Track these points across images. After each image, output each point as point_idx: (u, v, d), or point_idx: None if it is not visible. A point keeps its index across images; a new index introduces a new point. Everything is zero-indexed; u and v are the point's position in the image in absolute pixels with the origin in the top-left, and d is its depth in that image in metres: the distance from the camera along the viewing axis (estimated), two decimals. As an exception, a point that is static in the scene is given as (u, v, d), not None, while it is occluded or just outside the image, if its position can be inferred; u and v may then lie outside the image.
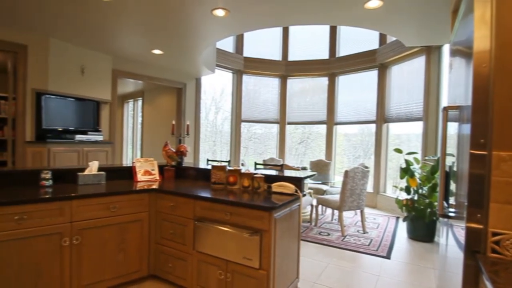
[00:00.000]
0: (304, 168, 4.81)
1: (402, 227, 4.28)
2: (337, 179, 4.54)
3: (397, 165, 5.44)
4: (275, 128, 7.04)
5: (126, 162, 7.53)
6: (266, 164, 4.17)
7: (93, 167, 2.64)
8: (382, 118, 5.70)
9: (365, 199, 4.03)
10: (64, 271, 2.08)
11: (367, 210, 5.27)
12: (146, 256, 2.49)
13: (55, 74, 3.81)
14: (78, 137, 4.01)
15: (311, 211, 4.42)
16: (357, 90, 6.26)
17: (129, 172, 2.93)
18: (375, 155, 5.78)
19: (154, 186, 2.56)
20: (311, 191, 4.63)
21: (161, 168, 3.09)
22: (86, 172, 2.59)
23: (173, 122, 3.55)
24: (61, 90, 3.89)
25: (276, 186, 2.36)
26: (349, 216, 4.89)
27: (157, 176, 2.97)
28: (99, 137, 4.29)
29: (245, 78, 6.83)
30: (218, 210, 2.12)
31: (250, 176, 2.47)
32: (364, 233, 3.99)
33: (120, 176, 2.90)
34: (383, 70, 5.71)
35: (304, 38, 6.95)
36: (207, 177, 2.91)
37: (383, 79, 5.71)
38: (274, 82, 6.98)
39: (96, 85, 4.33)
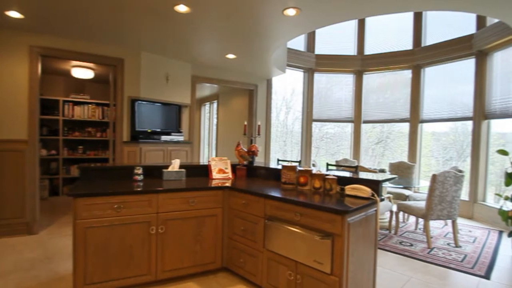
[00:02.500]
0: (382, 171, 4.43)
1: (507, 243, 3.57)
2: (422, 184, 4.04)
3: (501, 169, 4.58)
4: (349, 127, 6.67)
5: (203, 160, 8.12)
6: (339, 165, 3.97)
7: (175, 165, 2.91)
8: (481, 114, 4.87)
9: (458, 208, 3.50)
10: (151, 256, 2.34)
11: (460, 221, 4.57)
12: (220, 249, 2.62)
13: (145, 82, 4.35)
14: (164, 137, 4.49)
15: (391, 217, 4.04)
16: (448, 83, 5.49)
17: (205, 170, 3.14)
18: (472, 157, 4.97)
19: (227, 184, 2.68)
20: (391, 196, 4.23)
21: (233, 167, 3.22)
22: (169, 169, 2.86)
23: (245, 123, 3.66)
24: (150, 96, 4.41)
25: (350, 189, 2.22)
26: (438, 227, 4.31)
27: (230, 175, 3.11)
28: (180, 138, 4.72)
29: (317, 76, 6.65)
30: (288, 210, 2.10)
31: (322, 177, 2.38)
32: (456, 246, 3.47)
33: (197, 174, 3.13)
34: (482, 58, 4.88)
35: (382, 28, 6.42)
36: (277, 177, 2.91)
37: (482, 68, 4.88)
38: (348, 79, 6.62)
39: (178, 91, 4.78)
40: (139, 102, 4.30)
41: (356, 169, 3.31)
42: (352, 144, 6.59)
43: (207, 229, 2.56)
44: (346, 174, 2.55)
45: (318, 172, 2.41)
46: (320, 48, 6.58)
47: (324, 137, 6.95)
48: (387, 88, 6.32)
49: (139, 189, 2.31)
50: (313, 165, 5.95)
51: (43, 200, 5.15)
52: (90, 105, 5.85)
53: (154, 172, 2.91)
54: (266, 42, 3.88)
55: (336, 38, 6.68)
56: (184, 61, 4.82)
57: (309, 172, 2.47)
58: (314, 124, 6.71)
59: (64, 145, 5.71)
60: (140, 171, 2.74)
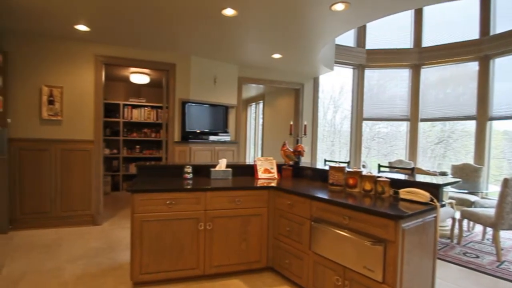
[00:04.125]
0: (443, 174, 4.03)
1: None
2: (491, 189, 3.59)
3: None
4: (404, 126, 6.20)
5: (248, 160, 8.23)
6: (392, 167, 3.72)
7: (222, 164, 2.99)
8: None
9: (538, 218, 3.03)
10: (200, 250, 2.42)
11: (541, 233, 3.97)
12: (265, 249, 2.62)
13: (195, 85, 4.55)
14: (211, 138, 4.65)
15: (453, 225, 3.66)
16: (524, 75, 4.80)
17: (251, 170, 3.17)
18: (555, 159, 4.28)
19: (273, 184, 2.67)
20: (453, 201, 3.83)
21: (279, 167, 3.20)
22: (217, 168, 2.94)
23: (291, 123, 3.62)
24: (199, 98, 4.60)
25: (405, 193, 2.05)
26: (510, 238, 3.79)
27: (275, 175, 3.09)
28: (227, 138, 4.84)
29: (368, 72, 6.31)
30: (335, 212, 2.02)
31: (373, 179, 2.24)
32: (536, 262, 3.01)
33: (243, 173, 3.17)
34: None
35: (443, 18, 5.85)
36: (324, 178, 2.82)
37: None
38: (403, 74, 6.16)
39: (225, 92, 4.92)
40: (189, 104, 4.51)
41: (412, 171, 3.06)
42: (407, 144, 6.12)
43: (253, 228, 2.57)
44: (401, 176, 2.37)
45: (369, 174, 2.28)
46: (372, 43, 6.23)
47: (376, 137, 6.56)
48: (449, 83, 5.74)
49: (188, 187, 2.42)
50: (363, 166, 5.65)
51: (105, 195, 5.67)
52: (146, 108, 6.32)
53: (203, 171, 3.02)
54: (313, 40, 3.79)
55: (389, 31, 6.26)
56: (231, 63, 4.93)
57: (358, 173, 2.34)
58: (365, 123, 6.37)
59: (123, 145, 6.24)
60: (189, 169, 2.86)
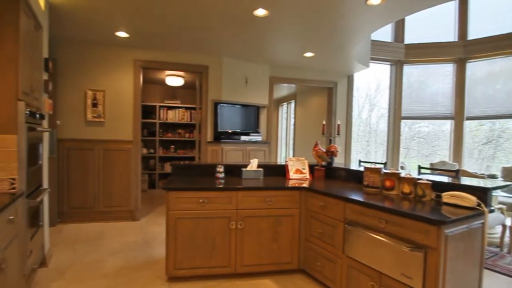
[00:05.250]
0: (492, 176, 3.71)
1: None
2: (550, 194, 3.23)
3: None
4: (447, 125, 5.79)
5: (280, 160, 8.18)
6: (434, 169, 3.50)
7: (253, 164, 2.99)
8: None
9: None
10: (231, 249, 2.45)
11: None
12: (297, 250, 2.58)
13: (227, 86, 4.62)
14: (243, 137, 4.69)
15: (503, 233, 3.34)
16: None
17: (282, 170, 3.14)
18: None
19: (304, 185, 2.63)
20: (504, 207, 3.50)
21: (311, 167, 3.14)
22: (248, 168, 2.96)
23: (324, 122, 3.54)
24: (231, 99, 4.66)
25: (448, 196, 1.91)
26: None
27: (307, 175, 3.04)
28: (259, 138, 4.86)
29: (406, 68, 5.98)
30: (371, 215, 1.93)
31: (412, 181, 2.11)
32: None
33: (275, 173, 3.15)
34: None
35: (490, 7, 5.37)
36: (359, 179, 2.71)
37: None
38: (447, 69, 5.75)
39: (256, 92, 4.94)
40: (221, 104, 4.58)
41: (457, 173, 2.84)
42: (451, 145, 5.71)
43: (284, 228, 2.55)
44: (444, 179, 2.21)
45: (408, 176, 2.15)
46: (411, 37, 5.89)
47: (416, 137, 6.19)
48: (499, 78, 5.26)
49: (221, 186, 2.45)
50: (402, 167, 5.37)
51: (143, 192, 5.96)
52: (180, 109, 6.54)
53: (234, 171, 3.05)
54: (347, 37, 3.67)
55: (430, 24, 5.88)
56: (262, 63, 4.94)
57: (396, 175, 2.22)
58: (403, 122, 6.05)
59: (159, 145, 6.51)
60: (221, 169, 2.91)
